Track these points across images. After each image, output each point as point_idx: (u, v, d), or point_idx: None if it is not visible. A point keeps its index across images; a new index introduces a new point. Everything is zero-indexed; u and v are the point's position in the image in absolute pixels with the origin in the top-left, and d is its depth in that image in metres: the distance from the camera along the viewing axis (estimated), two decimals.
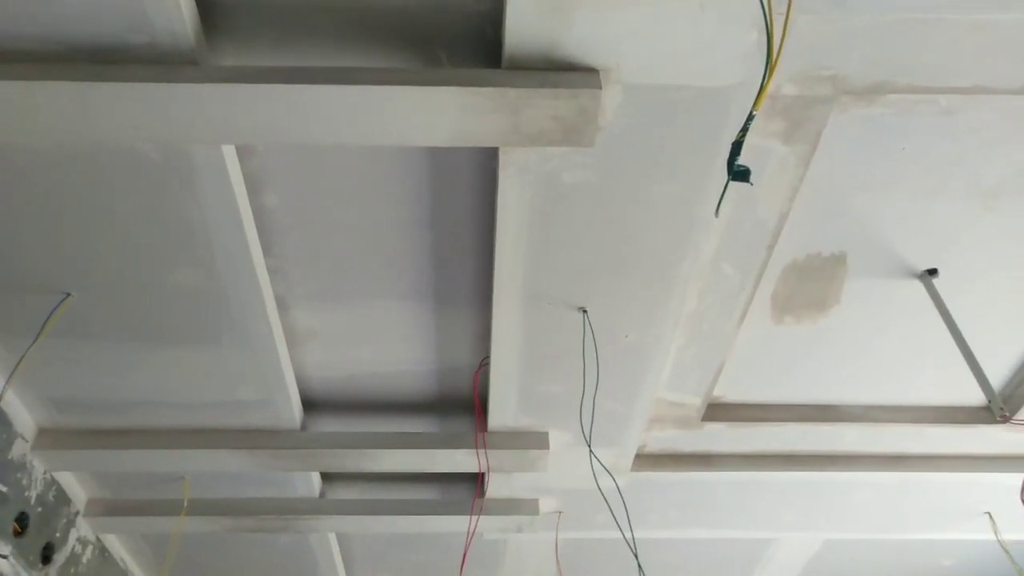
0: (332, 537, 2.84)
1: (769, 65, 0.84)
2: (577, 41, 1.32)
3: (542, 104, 1.34)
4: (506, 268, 1.74)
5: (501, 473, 2.42)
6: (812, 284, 1.99)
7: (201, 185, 1.55)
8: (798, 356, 2.21)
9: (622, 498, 1.86)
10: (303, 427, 2.25)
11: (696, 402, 2.29)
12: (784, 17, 0.87)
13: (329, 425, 2.37)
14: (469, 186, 1.72)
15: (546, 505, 2.62)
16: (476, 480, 2.52)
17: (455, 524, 2.53)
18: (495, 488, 2.51)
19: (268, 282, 1.82)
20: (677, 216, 1.62)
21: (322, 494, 2.60)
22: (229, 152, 1.52)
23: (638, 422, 2.22)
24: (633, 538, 1.65)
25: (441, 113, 1.35)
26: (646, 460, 2.50)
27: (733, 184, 1.59)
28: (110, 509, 2.47)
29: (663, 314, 1.86)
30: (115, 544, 2.75)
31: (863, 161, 1.69)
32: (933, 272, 1.94)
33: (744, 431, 2.40)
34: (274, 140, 1.41)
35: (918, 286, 1.97)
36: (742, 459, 2.51)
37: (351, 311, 2.04)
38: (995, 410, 1.71)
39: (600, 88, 1.33)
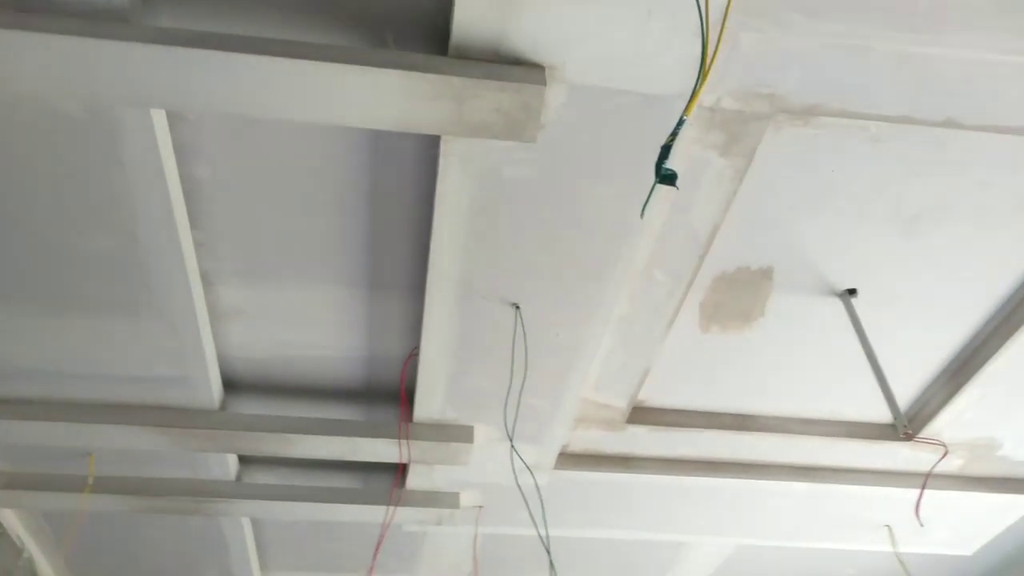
0: (246, 522, 2.77)
1: (702, 73, 0.85)
2: (525, 36, 1.32)
3: (486, 96, 1.34)
4: (441, 259, 1.73)
5: (423, 465, 2.41)
6: (739, 296, 2.04)
7: (127, 149, 1.48)
8: (722, 365, 2.27)
9: (540, 495, 1.87)
10: (222, 407, 2.19)
11: (621, 404, 2.32)
12: (721, 29, 0.89)
13: (250, 407, 2.31)
14: (409, 173, 1.71)
15: (467, 499, 2.61)
16: (393, 470, 2.50)
17: (374, 514, 2.51)
18: (416, 480, 2.49)
19: (193, 255, 1.76)
20: (614, 219, 1.64)
21: (238, 477, 2.53)
22: (159, 117, 1.46)
23: (563, 421, 2.23)
24: (547, 535, 1.66)
25: (383, 96, 1.33)
26: (569, 459, 2.53)
27: (668, 191, 1.62)
28: (8, 482, 2.35)
29: (594, 315, 1.88)
30: (12, 520, 2.62)
31: (795, 180, 1.74)
32: (853, 292, 2.01)
33: (666, 435, 2.44)
34: (206, 109, 1.37)
35: (838, 304, 2.05)
36: (662, 463, 2.56)
37: (280, 292, 1.99)
38: (899, 428, 1.79)
39: (545, 85, 1.33)
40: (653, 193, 0.91)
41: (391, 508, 2.22)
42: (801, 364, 2.27)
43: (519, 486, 1.79)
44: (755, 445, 2.50)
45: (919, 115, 1.54)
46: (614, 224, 1.65)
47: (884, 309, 2.08)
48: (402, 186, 1.73)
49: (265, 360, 2.20)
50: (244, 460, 2.57)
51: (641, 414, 2.41)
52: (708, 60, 0.83)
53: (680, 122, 0.87)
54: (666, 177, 0.90)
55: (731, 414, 2.44)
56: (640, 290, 1.94)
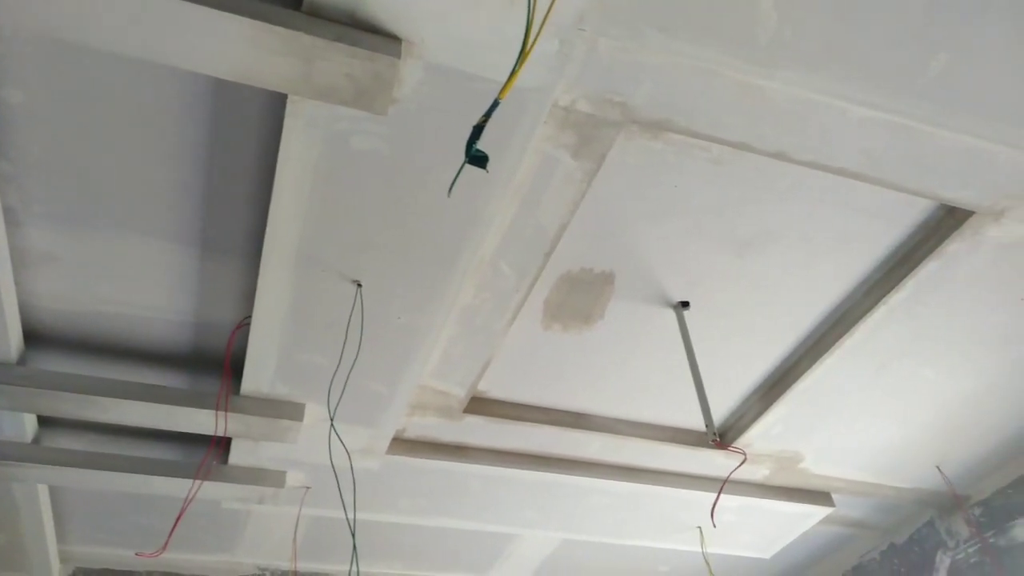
0: (42, 489, 2.53)
1: (521, 56, 0.85)
2: (384, 5, 1.28)
3: (337, 59, 1.28)
4: (280, 224, 1.65)
5: (248, 440, 2.30)
6: (581, 297, 2.10)
7: None
8: (560, 363, 2.32)
9: (353, 478, 1.83)
10: (20, 361, 1.98)
11: (460, 393, 2.32)
12: (546, 16, 0.89)
13: (56, 363, 2.11)
14: (254, 131, 1.61)
15: (294, 479, 2.52)
16: (225, 446, 2.37)
17: (188, 488, 2.36)
18: (240, 456, 2.37)
19: None
20: (462, 207, 1.63)
21: (37, 440, 2.31)
22: None
23: (399, 406, 2.20)
24: (355, 519, 1.62)
25: (228, 43, 1.25)
26: (403, 445, 2.50)
27: (515, 187, 1.63)
28: None
29: (438, 302, 1.87)
30: None
31: (641, 190, 1.81)
32: (686, 304, 2.12)
33: (501, 427, 2.47)
34: (17, 23, 1.22)
35: (671, 315, 2.15)
36: (496, 454, 2.59)
37: (100, 241, 1.83)
38: (708, 435, 1.90)
39: (399, 58, 1.30)
40: (461, 173, 0.90)
41: (197, 482, 2.10)
42: (635, 368, 2.37)
43: (333, 466, 1.74)
44: (586, 443, 2.58)
45: (756, 144, 1.63)
46: (463, 211, 1.64)
47: (712, 323, 2.20)
48: (246, 144, 1.63)
49: (77, 314, 2.01)
50: (46, 422, 2.35)
51: (479, 405, 2.42)
52: (528, 45, 0.83)
53: (494, 104, 0.87)
54: (476, 158, 0.90)
55: (566, 411, 2.51)
56: (486, 281, 1.94)
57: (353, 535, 1.44)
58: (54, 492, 2.67)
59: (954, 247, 1.91)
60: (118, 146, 1.63)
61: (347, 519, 1.59)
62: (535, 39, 0.81)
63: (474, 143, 0.88)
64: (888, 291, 2.04)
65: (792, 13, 1.39)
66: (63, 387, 1.94)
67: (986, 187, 1.75)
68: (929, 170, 1.71)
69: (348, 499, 2.52)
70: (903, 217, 1.92)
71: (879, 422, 2.56)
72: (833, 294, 2.16)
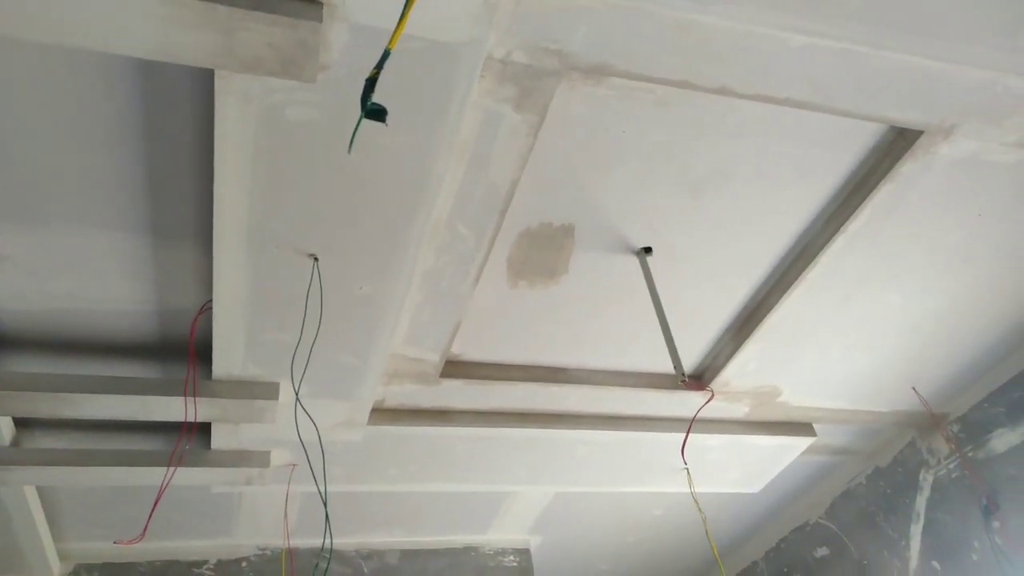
0: (30, 491, 2.54)
1: (408, 3, 0.83)
2: None
3: (257, 29, 1.25)
4: (227, 205, 1.63)
5: (228, 424, 2.31)
6: (544, 252, 2.09)
7: None
8: (532, 320, 2.33)
9: (322, 451, 1.84)
10: None
11: (434, 359, 2.33)
12: None
13: (26, 365, 2.10)
14: (188, 110, 1.59)
15: (279, 457, 2.54)
16: (207, 432, 2.38)
17: (176, 477, 2.37)
18: (222, 439, 2.38)
19: None
20: (407, 171, 1.61)
21: (16, 442, 2.31)
22: None
23: (373, 376, 2.21)
24: (326, 490, 1.64)
25: (140, 19, 1.21)
26: (385, 414, 2.52)
27: (460, 146, 1.61)
28: None
29: (397, 269, 1.86)
30: None
31: (589, 139, 1.79)
32: (648, 250, 2.12)
33: (480, 388, 2.49)
34: None
35: (635, 262, 2.15)
36: (478, 415, 2.61)
37: (51, 236, 1.81)
38: (677, 376, 1.92)
39: (320, 22, 1.27)
40: (359, 128, 0.89)
41: (171, 469, 2.11)
42: (605, 318, 2.38)
43: (302, 441, 1.75)
44: (566, 396, 2.60)
45: (697, 81, 1.62)
46: (409, 176, 1.63)
47: (677, 267, 2.21)
48: (181, 124, 1.61)
49: (40, 313, 2.00)
50: (24, 423, 2.35)
51: (455, 368, 2.43)
52: None
53: (385, 54, 0.85)
54: (372, 112, 0.88)
55: (543, 367, 2.53)
56: (445, 244, 1.93)
57: (325, 504, 1.46)
58: (42, 492, 2.68)
59: (907, 168, 1.91)
60: (52, 139, 1.60)
61: (319, 492, 1.61)
62: None
63: (368, 97, 0.87)
64: (846, 219, 2.05)
65: None
66: (33, 387, 1.93)
67: (933, 106, 1.75)
68: (875, 93, 1.70)
69: (341, 472, 2.55)
70: (854, 144, 1.92)
71: (852, 350, 2.60)
72: (793, 227, 2.16)
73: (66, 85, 1.51)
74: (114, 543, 2.66)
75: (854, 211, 2.02)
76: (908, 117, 1.77)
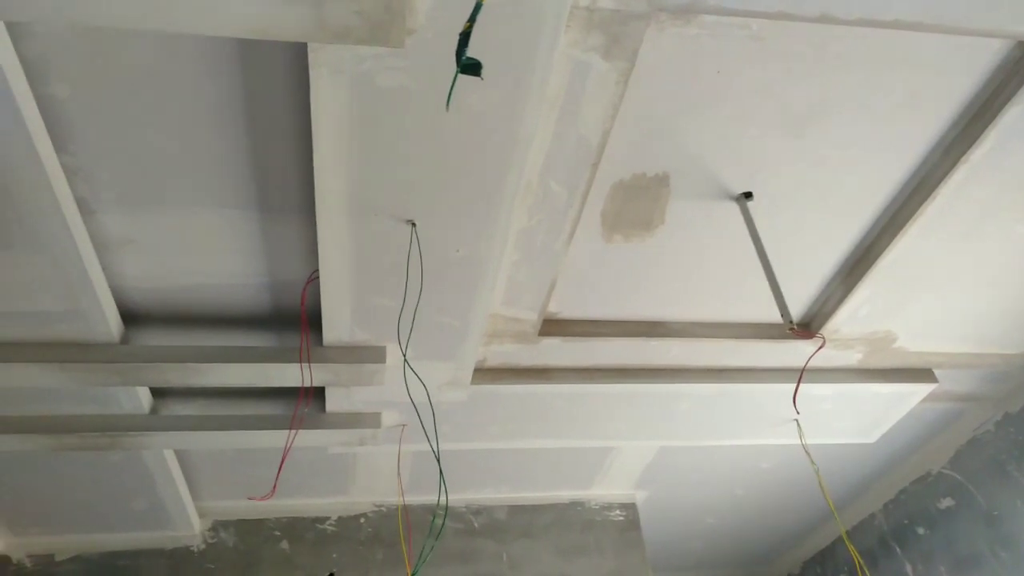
0: (169, 454, 2.77)
1: None
2: None
3: None
4: (327, 178, 1.68)
5: (340, 388, 2.42)
6: (638, 204, 2.06)
7: None
8: (629, 274, 2.30)
9: (432, 410, 1.90)
10: (123, 340, 2.14)
11: (532, 317, 2.35)
12: None
13: (157, 338, 2.26)
14: (284, 86, 1.64)
15: (389, 418, 2.64)
16: (322, 396, 2.51)
17: (296, 439, 2.52)
18: (336, 403, 2.50)
19: (63, 181, 1.68)
20: (497, 129, 1.61)
21: (154, 410, 2.51)
22: None
23: (474, 337, 2.25)
24: (438, 447, 1.70)
25: (233, 2, 1.26)
26: (486, 374, 2.57)
27: (549, 100, 1.59)
28: None
29: (492, 230, 1.87)
30: None
31: (681, 82, 1.73)
32: (748, 195, 2.04)
33: (579, 345, 2.49)
34: (39, 16, 1.27)
35: (735, 208, 2.08)
36: (577, 372, 2.62)
37: (168, 217, 1.92)
38: (785, 324, 1.86)
39: None
40: (456, 83, 0.89)
41: (292, 432, 2.23)
42: (705, 269, 2.32)
43: (413, 401, 1.81)
44: (665, 350, 2.57)
45: (795, 11, 1.53)
46: (498, 135, 1.62)
47: (780, 211, 2.12)
48: (280, 100, 1.66)
49: (165, 290, 2.14)
50: (161, 392, 2.54)
51: (553, 326, 2.44)
52: None
53: (477, 6, 0.84)
54: (468, 67, 0.88)
55: (640, 322, 2.50)
56: (538, 202, 1.93)
57: (438, 460, 1.51)
58: (180, 456, 2.91)
59: None
60: (162, 123, 1.69)
61: (432, 450, 1.66)
62: None
63: (463, 51, 0.86)
64: (968, 147, 1.90)
65: None
66: (164, 359, 2.08)
67: None
68: (997, 5, 1.56)
69: (442, 431, 2.63)
70: (974, 65, 1.77)
71: (975, 289, 2.43)
72: (907, 161, 2.03)
73: (171, 71, 1.59)
74: (248, 498, 2.85)
75: (977, 138, 1.87)
76: None
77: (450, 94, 0.91)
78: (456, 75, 0.88)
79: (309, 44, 1.41)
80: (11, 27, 1.41)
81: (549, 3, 1.39)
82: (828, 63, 1.73)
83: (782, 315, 1.87)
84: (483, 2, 0.82)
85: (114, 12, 1.25)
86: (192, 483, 3.11)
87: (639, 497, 3.77)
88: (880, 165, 2.03)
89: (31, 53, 1.48)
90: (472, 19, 0.84)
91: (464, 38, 0.85)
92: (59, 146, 1.65)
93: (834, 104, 1.83)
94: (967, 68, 1.77)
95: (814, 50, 1.70)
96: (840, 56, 1.71)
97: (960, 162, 1.94)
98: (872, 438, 3.13)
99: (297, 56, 1.57)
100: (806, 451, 2.93)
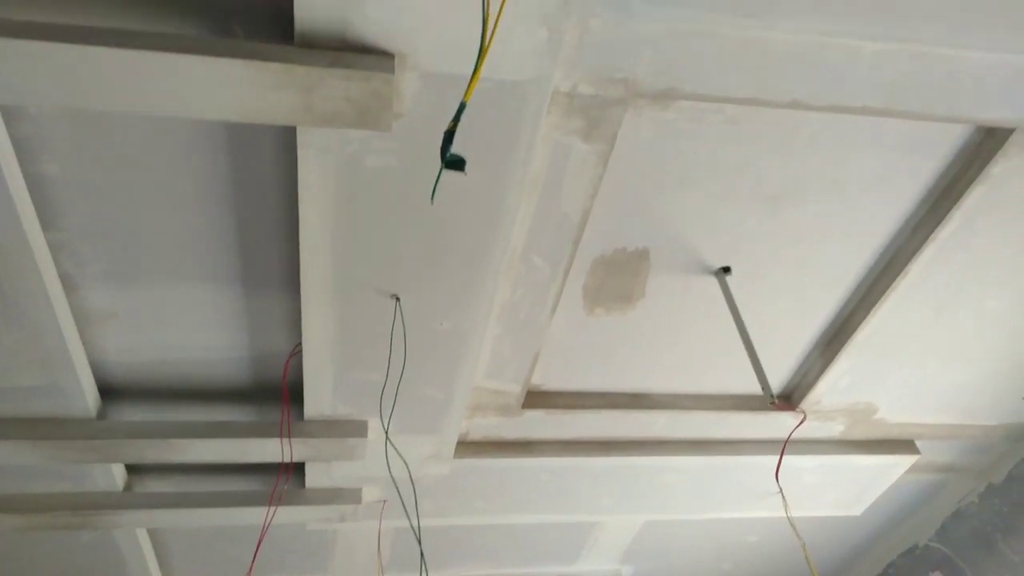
0: (141, 533, 2.68)
1: (481, 54, 0.86)
2: (371, 23, 1.31)
3: (334, 84, 1.32)
4: (312, 253, 1.70)
5: (321, 463, 2.38)
6: (619, 278, 2.09)
7: None
8: (611, 346, 2.32)
9: (412, 485, 1.87)
10: (100, 415, 2.10)
11: (515, 390, 2.34)
12: (500, 10, 0.89)
13: (134, 413, 2.23)
14: (272, 165, 1.67)
15: (370, 494, 2.59)
16: (301, 471, 2.46)
17: (273, 516, 2.46)
18: (316, 478, 2.45)
19: (48, 257, 1.68)
20: (482, 207, 1.65)
21: (128, 487, 2.44)
22: None
23: (458, 409, 2.24)
24: (419, 525, 1.66)
25: (225, 86, 1.30)
26: (469, 447, 2.54)
27: (531, 180, 1.64)
28: None
29: (476, 303, 1.89)
30: None
31: (660, 162, 1.79)
32: (727, 270, 2.09)
33: (562, 418, 2.48)
34: (38, 102, 1.30)
35: (714, 282, 2.12)
36: (561, 445, 2.60)
37: (151, 292, 1.92)
38: (766, 397, 1.87)
39: (393, 73, 1.33)
40: (440, 179, 0.92)
41: (272, 508, 2.18)
42: (686, 342, 2.34)
43: (392, 477, 1.79)
44: (650, 423, 2.56)
45: (767, 97, 1.59)
46: (483, 212, 1.66)
47: (758, 284, 2.16)
48: (266, 178, 1.69)
49: (145, 364, 2.12)
50: (135, 469, 2.48)
51: (536, 399, 2.44)
52: (486, 41, 0.84)
53: (461, 107, 0.88)
54: (452, 163, 0.91)
55: (624, 393, 2.50)
56: (521, 276, 1.95)
57: (419, 541, 1.48)
58: (153, 535, 2.81)
59: (998, 169, 1.83)
60: (149, 199, 1.71)
61: (412, 527, 1.63)
62: (491, 36, 0.82)
63: (448, 148, 0.90)
64: (935, 226, 1.96)
65: None
66: (141, 435, 2.05)
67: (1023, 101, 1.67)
68: (959, 94, 1.64)
69: (424, 506, 2.58)
70: (939, 147, 1.85)
71: (951, 362, 2.47)
72: (878, 238, 2.09)
73: (159, 150, 1.62)
74: None
75: (943, 217, 1.94)
76: (997, 116, 1.69)
77: (435, 189, 0.93)
78: (441, 171, 0.91)
79: (297, 127, 1.45)
80: (4, 109, 1.43)
81: (532, 89, 1.45)
82: (801, 145, 1.80)
83: (763, 389, 1.89)
84: (466, 102, 0.86)
85: (105, 97, 1.28)
86: (165, 564, 3.00)
87: (625, 572, 3.69)
88: (854, 241, 2.09)
89: (23, 133, 1.50)
90: (456, 119, 0.87)
91: (448, 136, 0.88)
92: (46, 223, 1.66)
93: (807, 183, 1.89)
94: (932, 150, 1.85)
95: (787, 132, 1.77)
96: (812, 138, 1.79)
97: (929, 240, 2.00)
98: (857, 511, 3.11)
99: (285, 135, 1.61)
100: (792, 524, 2.89)
